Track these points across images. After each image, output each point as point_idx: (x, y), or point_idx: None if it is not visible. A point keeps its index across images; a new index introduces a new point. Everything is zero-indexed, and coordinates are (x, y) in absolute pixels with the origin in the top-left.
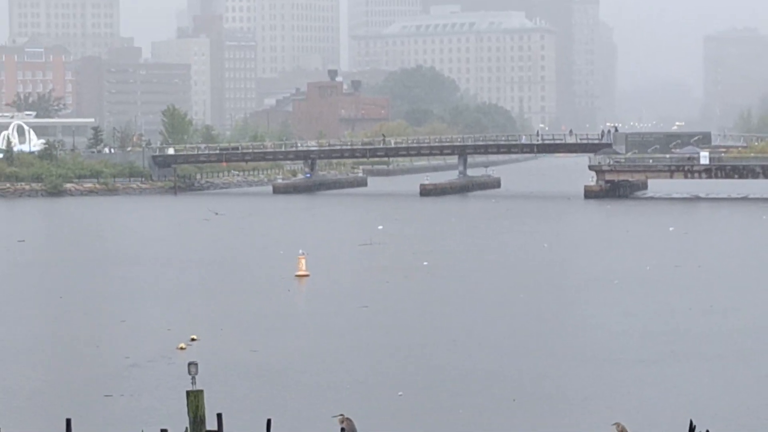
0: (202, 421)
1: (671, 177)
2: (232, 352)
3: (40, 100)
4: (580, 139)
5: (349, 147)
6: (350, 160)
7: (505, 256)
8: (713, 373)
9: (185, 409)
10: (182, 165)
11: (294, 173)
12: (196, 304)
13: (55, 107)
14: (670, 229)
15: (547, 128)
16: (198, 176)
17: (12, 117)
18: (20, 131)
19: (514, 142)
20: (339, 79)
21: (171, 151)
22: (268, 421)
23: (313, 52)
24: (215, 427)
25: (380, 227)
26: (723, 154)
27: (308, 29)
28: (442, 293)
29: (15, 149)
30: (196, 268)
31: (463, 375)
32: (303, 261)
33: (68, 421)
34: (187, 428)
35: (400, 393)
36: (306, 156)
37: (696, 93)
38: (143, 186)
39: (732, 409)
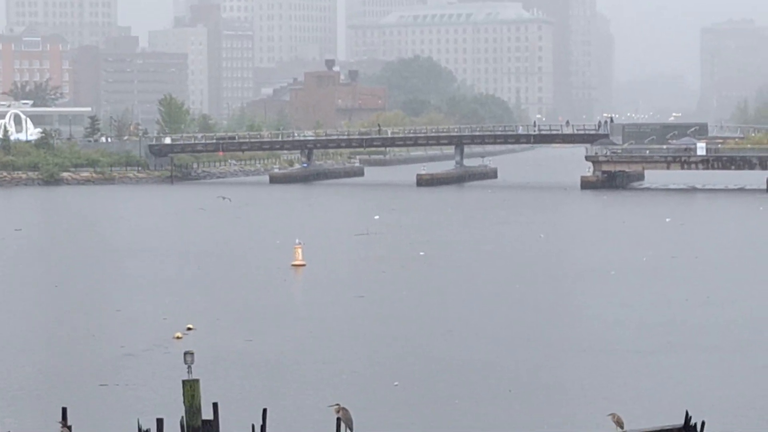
0: (198, 411)
1: (668, 168)
2: (229, 341)
3: (37, 89)
4: (577, 130)
5: (346, 137)
6: (347, 150)
7: (502, 247)
8: (709, 364)
9: (181, 398)
10: (179, 154)
11: (291, 163)
12: (192, 294)
13: (52, 96)
14: (667, 219)
15: (543, 119)
16: (195, 165)
17: (9, 106)
18: (17, 120)
19: (510, 133)
20: (336, 68)
21: (168, 140)
22: (264, 411)
23: (311, 42)
24: (211, 417)
25: (377, 217)
26: (720, 145)
27: (305, 19)
28: (438, 283)
29: (12, 138)
30: (192, 257)
31: (459, 365)
32: (299, 251)
33: (64, 410)
34: (182, 417)
35: (396, 383)
36: (303, 146)
37: (693, 84)
38: (140, 175)
39: (728, 399)
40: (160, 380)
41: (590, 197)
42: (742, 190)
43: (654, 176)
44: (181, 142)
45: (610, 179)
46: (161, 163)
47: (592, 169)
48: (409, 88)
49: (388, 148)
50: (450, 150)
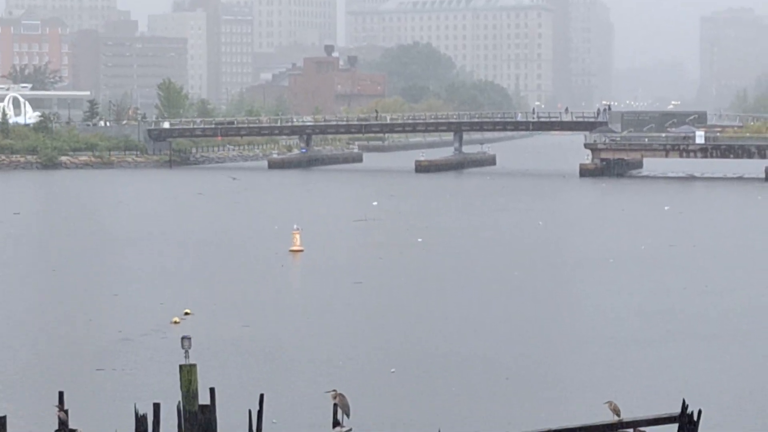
0: (195, 396)
1: (667, 156)
2: (226, 326)
3: (36, 73)
4: (576, 117)
5: (344, 123)
6: (346, 136)
7: (500, 234)
8: (708, 353)
9: (178, 383)
10: (178, 139)
11: (289, 148)
12: (189, 279)
13: (51, 80)
14: (666, 208)
15: (543, 106)
16: (193, 150)
17: (8, 89)
18: (16, 103)
19: (509, 120)
20: (335, 54)
21: (166, 125)
22: (261, 396)
23: (310, 28)
24: (208, 402)
25: (375, 203)
26: (719, 134)
27: (305, 4)
28: (436, 270)
29: (10, 121)
30: (190, 242)
31: (456, 352)
32: (297, 236)
33: (61, 394)
34: (179, 402)
35: (392, 369)
36: (302, 131)
37: (692, 73)
38: (138, 159)
39: (726, 389)
40: (158, 365)
41: (589, 185)
42: (740, 178)
43: (652, 164)
44: (180, 126)
45: (608, 167)
46: (160, 148)
47: (590, 157)
48: (409, 75)
49: (386, 134)
50: (449, 136)
